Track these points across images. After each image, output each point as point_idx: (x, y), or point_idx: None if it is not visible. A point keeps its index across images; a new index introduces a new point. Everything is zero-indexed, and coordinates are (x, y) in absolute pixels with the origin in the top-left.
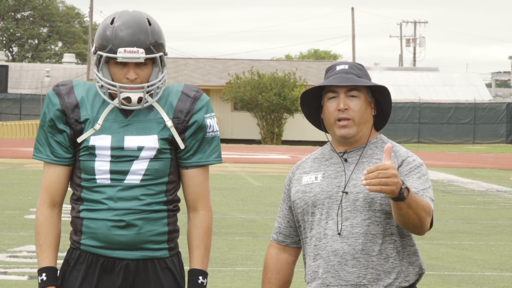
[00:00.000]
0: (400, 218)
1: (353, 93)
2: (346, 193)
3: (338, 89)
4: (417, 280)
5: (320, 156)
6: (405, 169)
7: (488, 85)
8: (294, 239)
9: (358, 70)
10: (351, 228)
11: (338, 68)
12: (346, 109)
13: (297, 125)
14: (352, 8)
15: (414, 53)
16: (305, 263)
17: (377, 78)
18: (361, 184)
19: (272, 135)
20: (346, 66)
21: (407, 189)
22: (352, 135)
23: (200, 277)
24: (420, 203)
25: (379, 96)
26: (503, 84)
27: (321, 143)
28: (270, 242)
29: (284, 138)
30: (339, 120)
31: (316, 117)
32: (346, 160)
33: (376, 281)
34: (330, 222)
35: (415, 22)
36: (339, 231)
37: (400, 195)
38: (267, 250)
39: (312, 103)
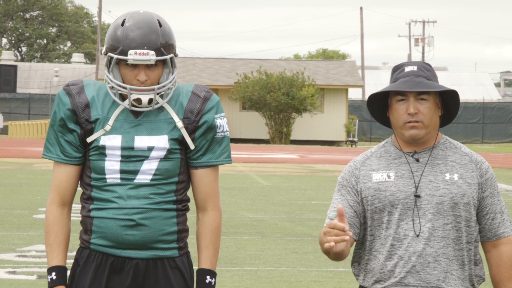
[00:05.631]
0: None
1: (423, 97)
2: (418, 196)
3: (408, 93)
4: None
5: (385, 154)
6: (487, 188)
7: (497, 85)
8: (355, 230)
9: (427, 71)
10: (432, 230)
11: (407, 69)
12: (416, 113)
13: (306, 125)
14: (361, 8)
15: (423, 53)
16: (368, 259)
17: (386, 77)
18: (444, 187)
19: (280, 135)
20: (415, 68)
21: None
22: (421, 136)
23: (208, 277)
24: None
25: (447, 98)
26: None
27: (329, 143)
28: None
29: (292, 137)
30: (409, 122)
31: (380, 115)
32: (417, 160)
33: (454, 286)
34: (410, 223)
35: (423, 22)
36: (419, 233)
37: None
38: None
39: (378, 102)
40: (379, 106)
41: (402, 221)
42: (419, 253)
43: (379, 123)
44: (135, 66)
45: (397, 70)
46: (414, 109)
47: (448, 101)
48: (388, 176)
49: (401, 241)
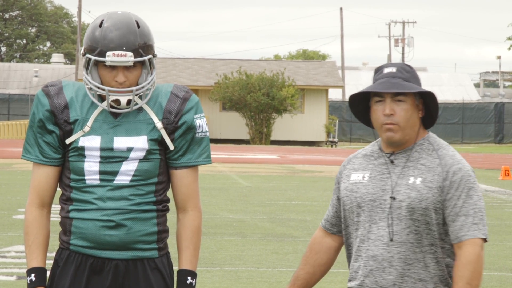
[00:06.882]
0: None
1: (400, 98)
2: (394, 198)
3: (384, 94)
4: None
5: (369, 153)
6: (451, 191)
7: (477, 85)
8: (340, 228)
9: (406, 72)
10: (391, 235)
11: (386, 71)
12: (392, 114)
13: (286, 125)
14: (341, 8)
15: (403, 53)
16: (348, 257)
17: (366, 78)
18: (404, 191)
19: (260, 135)
20: (394, 69)
21: None
22: (397, 139)
23: (189, 278)
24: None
25: (426, 98)
26: (491, 84)
27: (309, 143)
28: (320, 226)
29: (272, 138)
30: (386, 124)
31: (365, 117)
32: (392, 162)
33: None
34: (373, 226)
35: (403, 22)
36: (379, 237)
37: None
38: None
39: (361, 104)
40: (363, 108)
41: (366, 223)
42: (376, 257)
43: (365, 124)
44: (113, 67)
45: (377, 71)
46: (390, 110)
47: (428, 103)
48: (363, 177)
49: (364, 243)
